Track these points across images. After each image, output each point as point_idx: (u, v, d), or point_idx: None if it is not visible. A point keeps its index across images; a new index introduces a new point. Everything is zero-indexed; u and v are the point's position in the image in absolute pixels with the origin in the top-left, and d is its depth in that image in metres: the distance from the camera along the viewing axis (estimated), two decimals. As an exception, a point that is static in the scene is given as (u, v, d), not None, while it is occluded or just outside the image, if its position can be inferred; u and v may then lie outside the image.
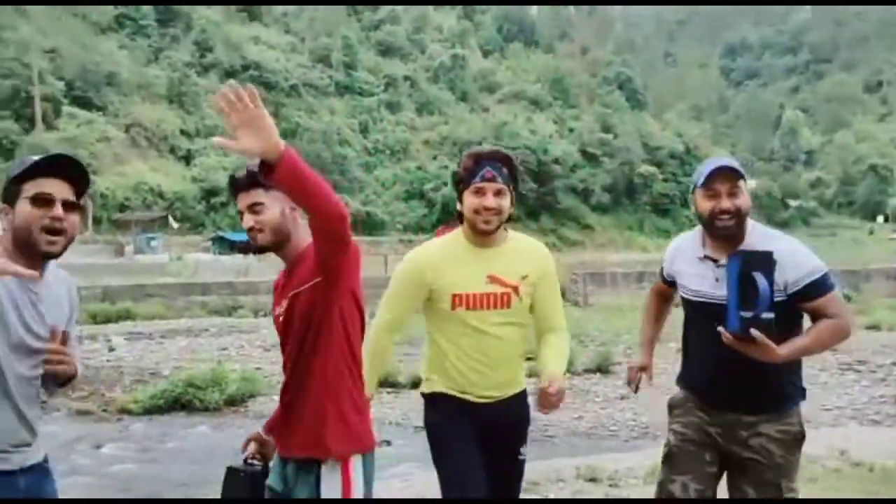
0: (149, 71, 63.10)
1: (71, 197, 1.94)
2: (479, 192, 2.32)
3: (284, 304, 2.16)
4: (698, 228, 2.60)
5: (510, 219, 2.44)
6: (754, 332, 2.18)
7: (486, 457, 2.43)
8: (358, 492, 2.08)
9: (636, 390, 2.82)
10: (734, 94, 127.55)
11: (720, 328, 2.27)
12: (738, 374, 2.38)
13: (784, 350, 2.23)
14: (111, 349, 12.55)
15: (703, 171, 2.46)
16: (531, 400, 2.49)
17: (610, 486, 4.61)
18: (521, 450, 2.52)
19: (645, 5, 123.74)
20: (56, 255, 1.94)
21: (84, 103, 56.68)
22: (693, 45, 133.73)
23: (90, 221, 48.58)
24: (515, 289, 2.38)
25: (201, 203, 55.27)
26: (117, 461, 6.89)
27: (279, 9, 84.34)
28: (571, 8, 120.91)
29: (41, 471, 2.02)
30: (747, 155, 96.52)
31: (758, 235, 2.44)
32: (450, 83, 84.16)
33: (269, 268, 26.48)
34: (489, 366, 2.40)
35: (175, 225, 50.61)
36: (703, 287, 2.49)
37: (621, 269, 27.51)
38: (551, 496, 4.27)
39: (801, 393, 2.52)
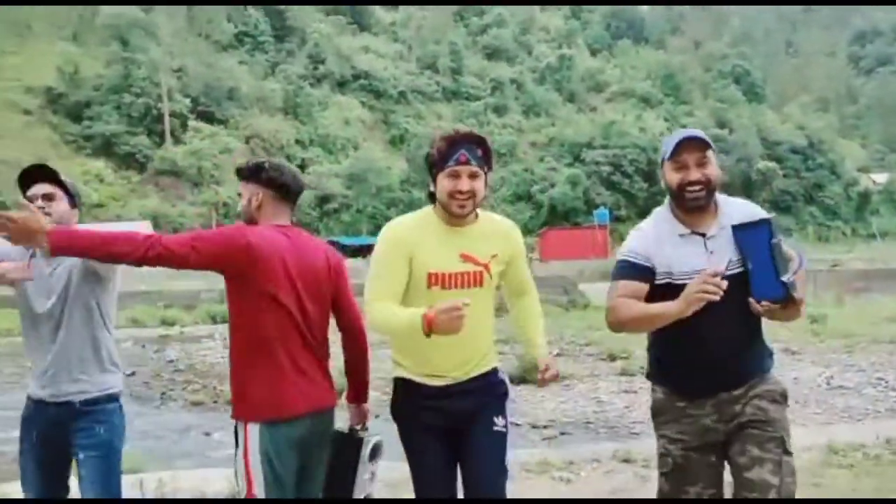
0: (266, 84, 66.12)
1: (47, 189, 2.62)
2: (454, 176, 2.29)
3: None
4: (660, 210, 2.52)
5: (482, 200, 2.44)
6: (797, 294, 2.22)
7: (459, 439, 2.38)
8: (253, 457, 2.36)
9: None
10: (864, 83, 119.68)
11: (765, 303, 2.22)
12: (732, 352, 2.37)
13: (800, 301, 2.28)
14: (227, 347, 13.38)
15: (669, 143, 2.40)
16: (511, 375, 2.53)
17: (643, 466, 4.57)
18: (496, 420, 2.42)
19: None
20: None
21: (208, 117, 60.13)
22: (818, 33, 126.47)
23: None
24: (487, 267, 2.38)
25: (315, 209, 57.36)
26: (222, 447, 7.41)
27: (388, 19, 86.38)
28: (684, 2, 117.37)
29: (72, 408, 2.59)
30: (879, 147, 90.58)
31: (735, 205, 2.45)
32: (556, 84, 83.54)
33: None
34: (459, 345, 2.32)
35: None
36: (697, 264, 2.34)
37: (732, 269, 26.44)
38: (582, 474, 4.32)
39: (772, 359, 2.54)
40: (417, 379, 2.42)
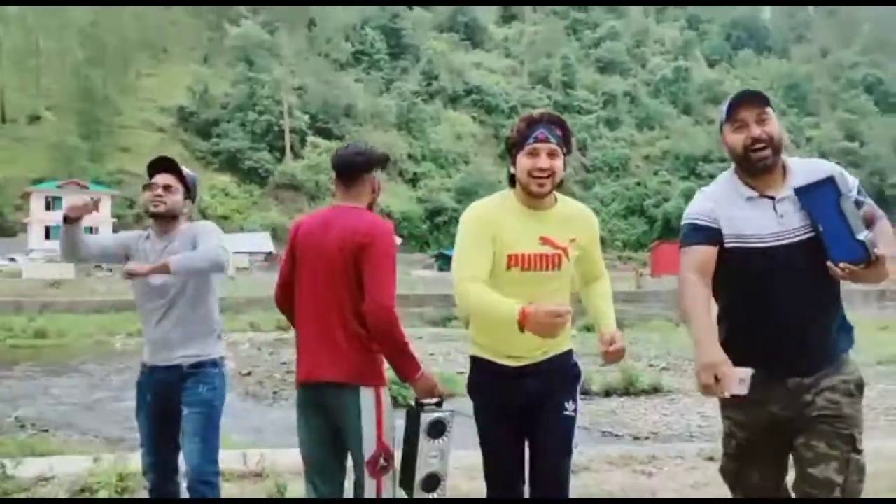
0: (381, 101, 67.99)
1: (169, 181, 2.95)
2: (533, 154, 2.29)
3: None
4: (726, 174, 2.37)
5: (561, 183, 2.40)
6: (878, 251, 2.03)
7: (529, 419, 2.40)
8: None
9: (723, 392, 2.15)
10: None
11: (830, 265, 2.07)
12: (802, 328, 2.21)
13: (886, 262, 2.08)
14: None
15: (725, 105, 2.28)
16: (588, 358, 2.46)
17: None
18: (566, 405, 2.41)
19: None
20: (160, 215, 2.94)
21: (325, 133, 62.43)
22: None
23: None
24: (565, 251, 2.37)
25: (426, 222, 58.28)
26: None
27: (500, 34, 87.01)
28: (810, 9, 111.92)
29: (179, 371, 2.87)
30: None
31: (801, 164, 2.27)
32: (672, 96, 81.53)
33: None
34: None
35: (398, 241, 53.93)
36: (768, 228, 2.22)
37: (861, 286, 24.91)
38: (665, 469, 4.19)
39: (851, 336, 2.30)
40: (493, 358, 2.43)
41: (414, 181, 63.18)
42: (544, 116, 2.34)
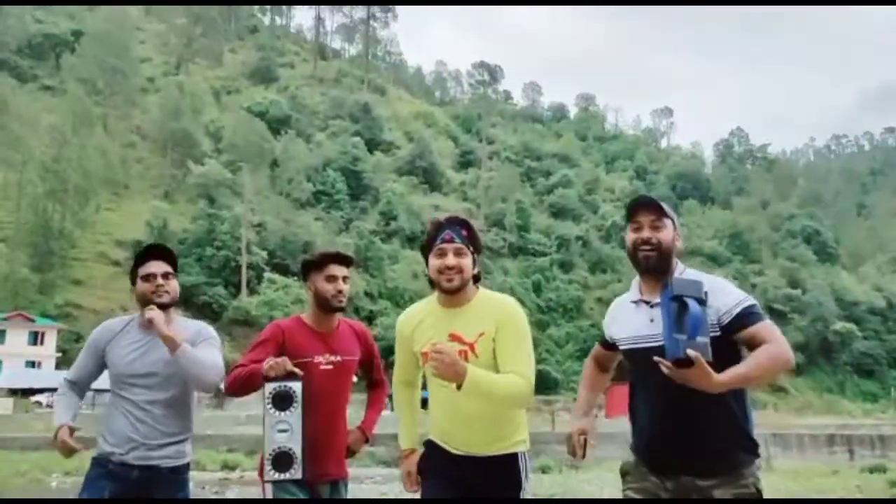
0: (340, 239, 68.96)
1: (167, 269, 2.90)
2: (441, 254, 2.46)
3: (335, 359, 2.93)
4: (635, 281, 2.53)
5: (477, 279, 2.54)
6: (690, 352, 2.06)
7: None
8: None
9: (583, 456, 2.54)
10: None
11: (657, 358, 2.13)
12: (682, 424, 2.26)
13: (724, 377, 2.10)
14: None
15: (628, 206, 2.49)
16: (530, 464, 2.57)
17: None
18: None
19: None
20: (164, 306, 2.86)
21: (282, 270, 62.63)
22: (890, 195, 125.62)
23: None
24: (472, 346, 2.43)
25: (383, 360, 57.70)
26: None
27: (457, 179, 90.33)
28: (748, 164, 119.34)
29: (157, 472, 2.77)
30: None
31: (689, 274, 2.38)
32: (622, 241, 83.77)
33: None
34: (463, 422, 2.47)
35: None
36: (639, 331, 2.38)
37: (809, 430, 25.17)
38: None
39: (753, 449, 2.34)
40: (437, 441, 2.59)
41: (370, 318, 63.10)
42: (449, 220, 2.54)
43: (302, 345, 2.87)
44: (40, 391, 37.31)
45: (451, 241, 2.47)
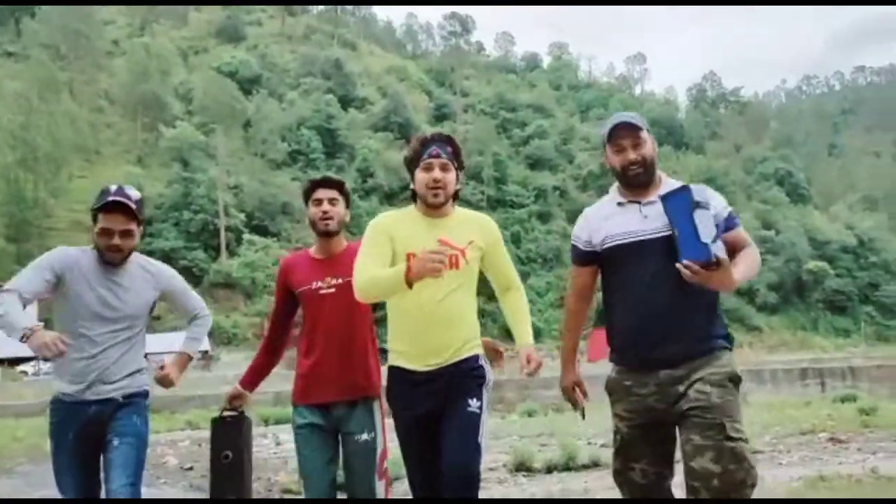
0: (317, 198, 68.78)
1: (126, 226, 2.88)
2: (428, 168, 2.57)
3: (336, 281, 3.02)
4: (611, 189, 2.74)
5: (456, 196, 2.65)
6: (721, 255, 2.26)
7: (436, 423, 2.55)
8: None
9: (583, 414, 2.70)
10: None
11: (686, 262, 2.29)
12: (666, 316, 2.41)
13: (736, 275, 2.33)
14: (278, 443, 13.80)
15: (605, 126, 2.63)
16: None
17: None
18: (470, 402, 2.54)
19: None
20: (117, 262, 2.90)
21: (262, 231, 62.47)
22: (860, 134, 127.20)
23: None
24: (463, 252, 2.55)
25: (376, 312, 58.19)
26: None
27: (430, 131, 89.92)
28: (721, 108, 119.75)
29: (115, 404, 2.85)
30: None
31: (670, 181, 2.63)
32: (600, 190, 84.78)
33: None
34: (439, 327, 2.53)
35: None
36: (631, 226, 2.54)
37: (783, 366, 26.07)
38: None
39: (726, 336, 2.52)
40: (406, 365, 2.60)
41: (351, 277, 63.46)
42: (435, 136, 2.66)
43: (300, 275, 3.06)
44: (26, 360, 37.36)
45: (438, 156, 2.59)
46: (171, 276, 3.14)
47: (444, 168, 2.60)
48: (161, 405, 23.96)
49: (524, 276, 69.80)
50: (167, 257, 58.28)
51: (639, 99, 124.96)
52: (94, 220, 2.90)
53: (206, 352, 46.14)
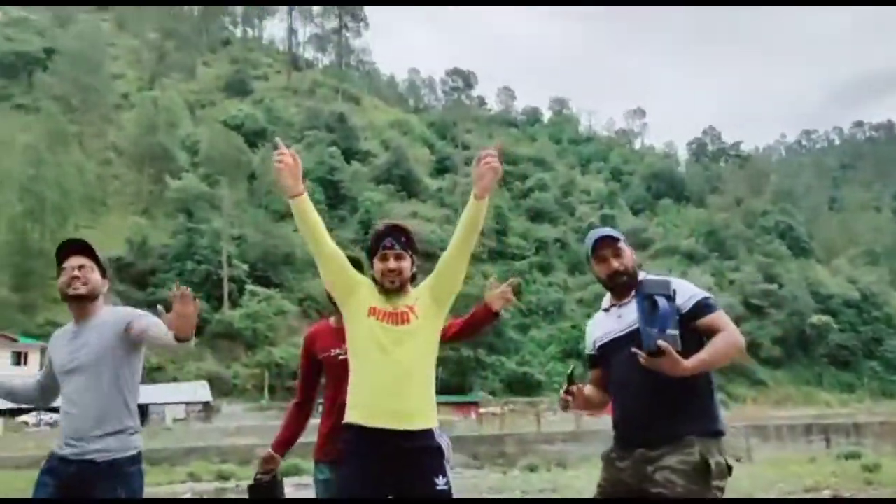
0: (320, 250, 69.18)
1: (84, 262, 2.88)
2: (384, 259, 2.79)
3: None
4: (606, 296, 2.97)
5: (414, 278, 2.86)
6: (661, 343, 2.44)
7: (398, 488, 2.61)
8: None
9: (572, 395, 2.85)
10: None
11: (634, 349, 2.51)
12: (643, 403, 2.63)
13: (690, 363, 2.47)
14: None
15: (588, 242, 2.90)
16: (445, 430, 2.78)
17: None
18: (437, 480, 2.64)
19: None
20: (80, 297, 2.85)
21: (264, 282, 62.70)
22: (860, 189, 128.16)
23: (266, 390, 52.33)
24: (411, 308, 2.77)
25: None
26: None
27: (434, 185, 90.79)
28: (722, 162, 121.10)
29: (96, 468, 2.71)
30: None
31: (652, 275, 2.82)
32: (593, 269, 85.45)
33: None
34: (392, 386, 2.64)
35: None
36: (610, 329, 2.82)
37: (787, 421, 25.92)
38: None
39: (709, 424, 2.62)
40: (361, 423, 2.65)
41: (353, 328, 63.37)
42: (389, 228, 2.89)
43: (322, 343, 3.34)
44: (27, 411, 37.21)
45: (392, 247, 2.81)
46: (133, 310, 3.01)
47: (398, 258, 2.81)
48: (160, 458, 23.79)
49: (525, 329, 69.88)
50: (170, 308, 58.13)
51: (639, 153, 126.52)
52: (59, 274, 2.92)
53: (207, 403, 45.96)
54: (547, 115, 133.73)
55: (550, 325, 72.05)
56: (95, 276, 2.90)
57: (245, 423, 31.45)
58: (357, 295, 2.80)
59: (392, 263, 2.80)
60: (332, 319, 3.45)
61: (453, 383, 56.40)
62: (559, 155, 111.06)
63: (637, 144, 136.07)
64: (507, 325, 66.39)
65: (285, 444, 3.35)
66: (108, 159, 75.96)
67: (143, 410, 42.68)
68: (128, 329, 2.84)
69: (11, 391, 2.98)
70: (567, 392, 2.86)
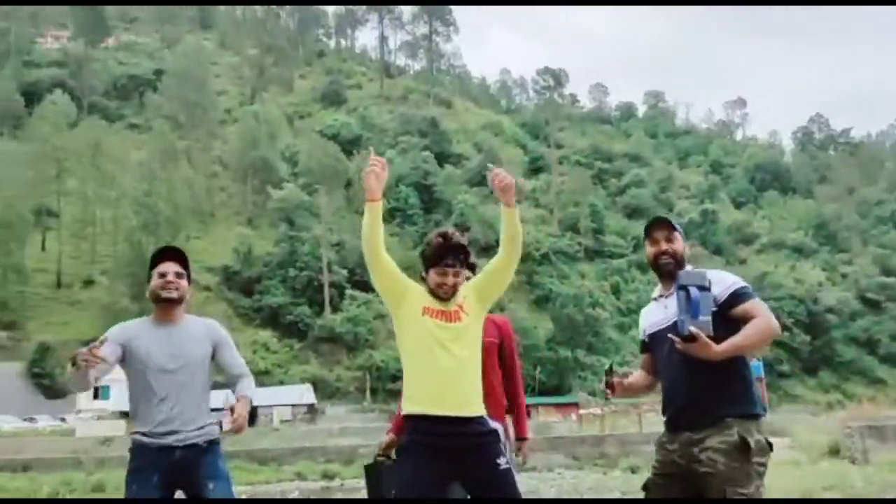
0: (415, 253, 69.70)
1: (178, 269, 3.19)
2: (443, 274, 2.98)
3: None
4: (658, 286, 3.12)
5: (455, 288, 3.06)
6: (693, 329, 2.65)
7: (463, 477, 2.84)
8: None
9: (611, 388, 3.03)
10: None
11: (670, 335, 2.73)
12: (687, 388, 2.81)
13: (721, 347, 2.69)
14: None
15: (646, 226, 3.11)
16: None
17: None
18: (499, 461, 2.85)
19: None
20: (173, 301, 3.15)
21: (363, 286, 64.08)
22: None
23: (367, 392, 53.62)
24: (461, 306, 3.00)
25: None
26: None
27: (528, 186, 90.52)
28: (831, 150, 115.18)
29: (197, 448, 3.09)
30: None
31: (689, 269, 2.98)
32: (701, 238, 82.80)
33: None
34: (449, 376, 2.87)
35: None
36: (657, 319, 3.00)
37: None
38: None
39: (743, 407, 2.80)
40: (425, 412, 2.86)
41: (450, 330, 63.92)
42: (454, 247, 3.03)
43: None
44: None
45: (454, 266, 3.00)
46: (220, 328, 3.36)
47: (455, 275, 3.02)
48: (268, 457, 24.88)
49: (626, 329, 68.55)
50: (275, 313, 60.74)
51: (740, 144, 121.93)
52: (149, 279, 3.22)
53: (311, 405, 47.51)
54: (642, 110, 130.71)
55: (651, 324, 70.49)
56: (185, 283, 3.23)
57: (348, 425, 32.33)
58: (408, 298, 3.02)
59: (450, 280, 3.00)
60: None
61: (551, 384, 56.06)
62: (656, 150, 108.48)
63: (738, 136, 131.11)
64: (605, 324, 65.45)
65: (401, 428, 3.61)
66: (214, 172, 79.77)
67: (252, 412, 44.55)
68: (214, 350, 3.25)
69: (90, 379, 3.03)
70: (607, 385, 3.05)
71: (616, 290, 72.50)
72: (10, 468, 22.71)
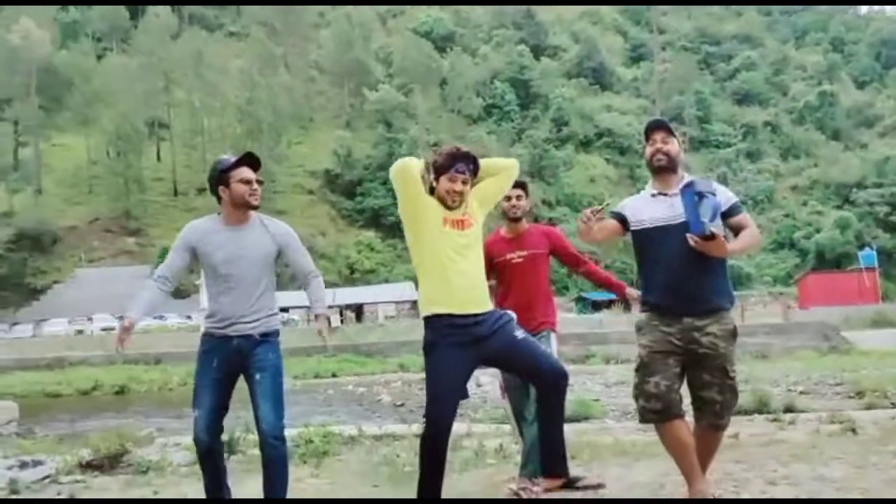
0: (513, 151, 69.48)
1: (260, 177, 3.40)
2: (453, 181, 3.18)
3: (523, 253, 4.04)
4: (650, 182, 3.39)
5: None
6: (714, 229, 2.99)
7: (487, 355, 3.16)
8: None
9: (591, 220, 3.25)
10: None
11: (690, 235, 3.01)
12: (688, 280, 3.12)
13: (731, 245, 3.11)
14: (478, 385, 14.82)
15: (645, 128, 3.38)
16: None
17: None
18: (517, 333, 3.21)
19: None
20: (254, 207, 3.35)
21: (461, 185, 64.58)
22: None
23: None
24: (471, 215, 3.25)
25: (563, 266, 58.51)
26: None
27: (629, 75, 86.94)
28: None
29: (252, 339, 3.29)
30: None
31: (687, 177, 3.27)
32: (818, 122, 77.90)
33: (618, 321, 27.61)
34: (468, 276, 3.18)
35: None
36: (662, 215, 3.21)
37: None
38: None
39: (731, 300, 3.24)
40: (443, 310, 3.14)
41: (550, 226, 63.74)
42: (465, 154, 3.23)
43: (498, 249, 4.07)
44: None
45: (463, 173, 3.20)
46: (287, 232, 3.48)
47: (464, 182, 3.22)
48: (374, 351, 26.19)
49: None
50: (377, 214, 62.26)
51: (864, 18, 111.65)
52: (226, 183, 3.34)
53: (414, 301, 49.17)
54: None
55: (760, 216, 67.82)
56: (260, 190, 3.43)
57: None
58: (429, 214, 3.20)
59: (459, 186, 3.20)
60: (503, 230, 4.16)
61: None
62: (769, 29, 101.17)
63: (862, 10, 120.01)
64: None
65: None
66: (311, 77, 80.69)
67: (359, 309, 46.63)
68: (281, 251, 3.42)
69: (153, 307, 3.34)
70: (593, 212, 3.28)
71: (723, 181, 69.29)
72: (144, 361, 25.10)
